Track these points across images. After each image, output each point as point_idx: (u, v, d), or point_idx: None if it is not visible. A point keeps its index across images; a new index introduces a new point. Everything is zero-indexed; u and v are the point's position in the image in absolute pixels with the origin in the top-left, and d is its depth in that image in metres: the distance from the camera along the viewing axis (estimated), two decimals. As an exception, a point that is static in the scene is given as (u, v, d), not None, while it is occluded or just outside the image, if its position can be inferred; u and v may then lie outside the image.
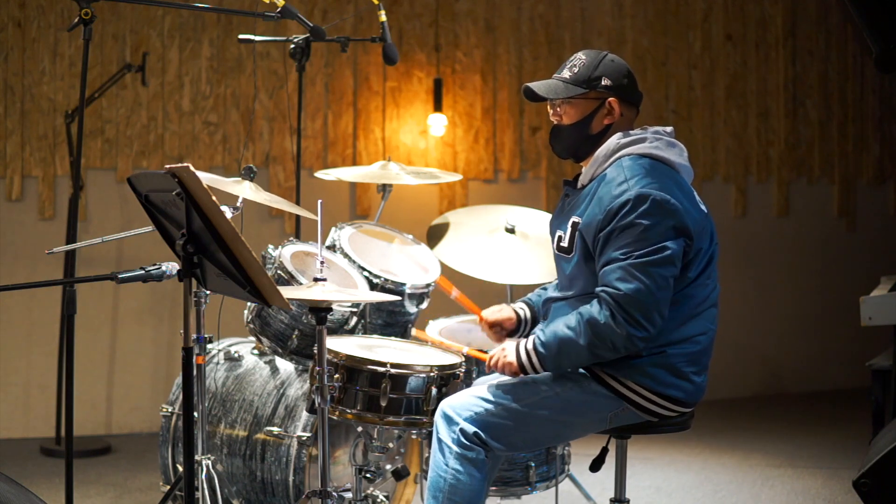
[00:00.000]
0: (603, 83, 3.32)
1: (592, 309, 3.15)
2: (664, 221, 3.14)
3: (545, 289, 3.63)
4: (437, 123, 6.45)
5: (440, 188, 6.53)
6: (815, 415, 6.69)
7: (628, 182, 3.19)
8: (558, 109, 3.38)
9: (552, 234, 3.44)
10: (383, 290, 4.00)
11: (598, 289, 3.16)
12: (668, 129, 3.38)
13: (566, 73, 3.36)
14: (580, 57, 3.37)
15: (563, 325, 3.20)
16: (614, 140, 3.31)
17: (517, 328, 3.59)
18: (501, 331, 3.60)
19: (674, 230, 3.15)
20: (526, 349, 3.25)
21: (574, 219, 3.30)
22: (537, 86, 3.36)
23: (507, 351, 3.29)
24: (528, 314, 3.59)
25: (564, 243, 3.33)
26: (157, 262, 3.01)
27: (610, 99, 3.33)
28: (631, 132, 3.33)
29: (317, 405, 3.36)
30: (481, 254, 4.29)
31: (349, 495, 3.64)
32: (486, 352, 3.50)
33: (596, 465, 3.39)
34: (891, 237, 7.34)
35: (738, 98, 7.10)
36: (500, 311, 3.60)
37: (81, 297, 3.97)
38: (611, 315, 3.11)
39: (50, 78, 5.90)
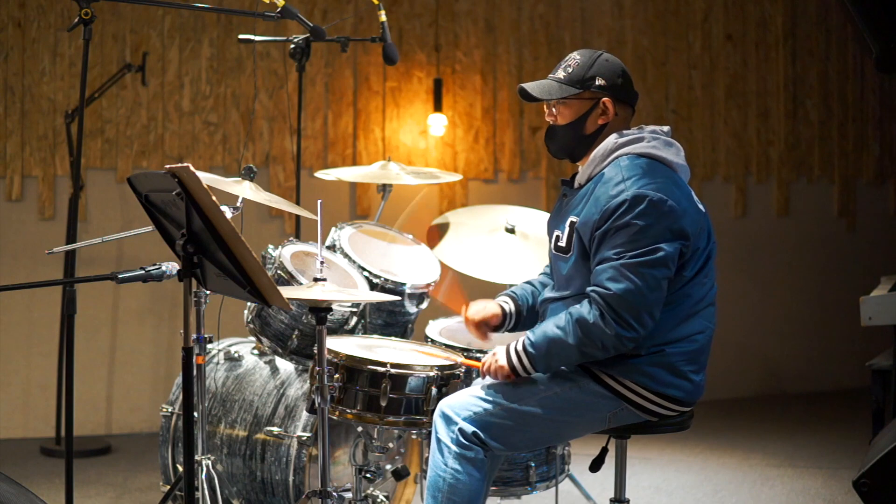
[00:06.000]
0: (597, 83, 3.32)
1: (582, 309, 3.15)
2: (660, 223, 3.14)
3: (529, 282, 3.61)
4: (437, 123, 6.45)
5: (440, 188, 6.53)
6: (815, 415, 6.69)
7: (626, 182, 3.19)
8: (553, 110, 3.38)
9: (550, 233, 3.44)
10: (383, 290, 4.00)
11: (589, 288, 3.16)
12: (666, 128, 3.38)
13: (561, 74, 3.36)
14: (575, 57, 3.37)
15: (552, 324, 3.20)
16: (611, 139, 3.31)
17: (502, 323, 3.55)
18: (487, 328, 3.55)
19: (670, 232, 3.15)
20: (516, 350, 3.25)
21: (571, 218, 3.30)
22: (532, 86, 3.36)
23: (498, 355, 3.29)
24: (513, 308, 3.54)
25: (562, 243, 3.33)
26: (157, 262, 3.02)
27: (604, 99, 3.32)
28: (627, 131, 3.32)
29: (317, 405, 3.36)
30: (481, 254, 4.29)
31: (349, 495, 3.64)
32: (479, 360, 3.45)
33: (596, 465, 3.39)
34: (891, 237, 7.34)
35: (738, 98, 7.10)
36: (485, 309, 3.54)
37: (81, 297, 3.97)
38: (600, 315, 3.11)
39: (50, 78, 5.90)
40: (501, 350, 3.30)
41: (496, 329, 3.56)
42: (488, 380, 3.53)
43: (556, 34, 6.73)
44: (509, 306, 3.55)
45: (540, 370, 3.26)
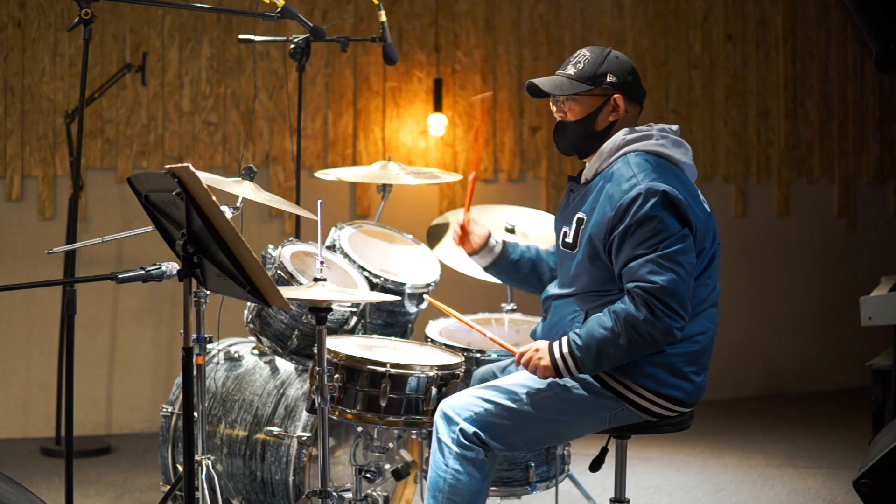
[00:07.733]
0: (608, 80, 3.32)
1: (627, 307, 3.12)
2: (676, 212, 3.16)
3: (534, 247, 3.67)
4: (437, 123, 6.45)
5: (440, 188, 6.53)
6: (815, 415, 6.69)
7: (637, 177, 3.19)
8: (562, 106, 3.37)
9: (557, 230, 3.43)
10: (383, 290, 4.00)
11: (631, 285, 3.13)
12: (675, 127, 3.39)
13: (571, 70, 3.35)
14: (584, 53, 3.36)
15: (597, 326, 3.15)
16: (620, 136, 3.31)
17: (476, 251, 3.62)
18: (465, 239, 3.62)
19: (685, 221, 3.17)
20: (562, 353, 3.19)
21: (579, 215, 3.30)
22: (542, 82, 3.36)
23: (542, 353, 3.23)
24: (498, 250, 3.61)
25: (569, 239, 3.33)
26: (157, 262, 3.01)
27: (615, 95, 3.33)
28: (637, 128, 3.33)
29: (317, 405, 3.36)
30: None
31: (349, 495, 3.64)
32: (514, 345, 3.43)
33: (596, 465, 3.39)
34: (891, 237, 7.34)
35: (738, 98, 7.10)
36: (482, 228, 3.63)
37: (81, 297, 3.97)
38: (649, 310, 3.09)
39: (50, 78, 5.90)
40: (544, 348, 3.24)
41: (471, 251, 3.63)
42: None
43: (556, 34, 6.72)
44: (497, 245, 3.62)
45: (588, 372, 3.22)
